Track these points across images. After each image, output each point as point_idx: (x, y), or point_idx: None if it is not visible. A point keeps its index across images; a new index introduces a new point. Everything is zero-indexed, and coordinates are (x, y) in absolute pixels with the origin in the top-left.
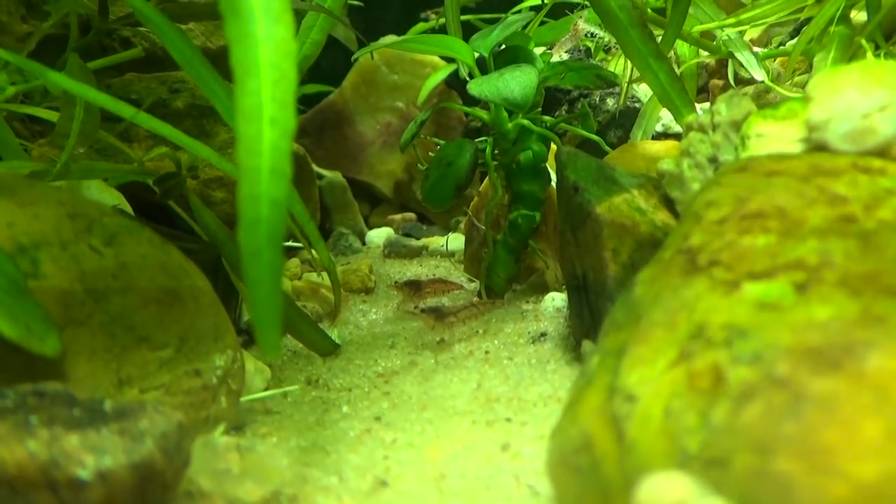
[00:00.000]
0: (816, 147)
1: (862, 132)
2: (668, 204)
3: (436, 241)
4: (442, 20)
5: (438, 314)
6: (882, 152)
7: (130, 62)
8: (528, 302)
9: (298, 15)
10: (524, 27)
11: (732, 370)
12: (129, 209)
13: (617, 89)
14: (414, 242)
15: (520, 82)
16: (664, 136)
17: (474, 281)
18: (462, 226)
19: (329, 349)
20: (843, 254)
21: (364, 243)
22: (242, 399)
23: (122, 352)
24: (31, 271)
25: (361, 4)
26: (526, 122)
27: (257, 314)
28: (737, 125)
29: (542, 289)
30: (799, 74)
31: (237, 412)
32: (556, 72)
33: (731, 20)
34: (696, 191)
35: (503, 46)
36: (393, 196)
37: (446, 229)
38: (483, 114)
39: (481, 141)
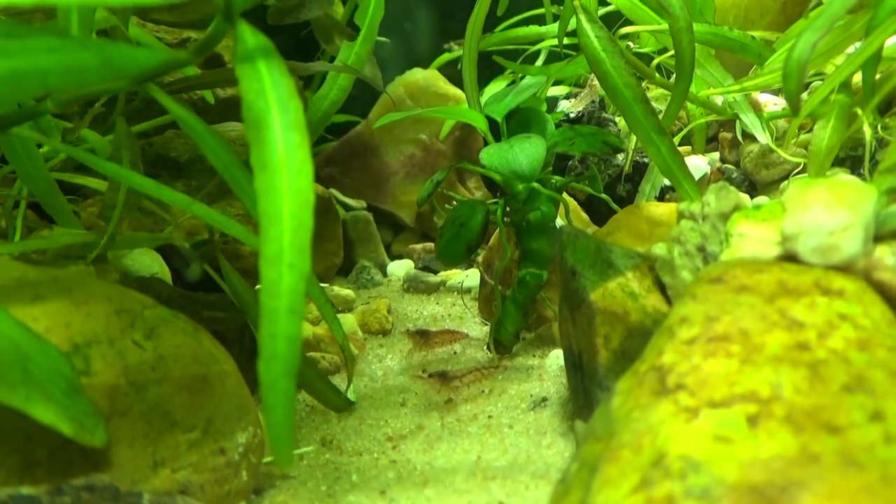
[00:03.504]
0: (788, 256)
1: (828, 248)
2: (661, 286)
3: (453, 277)
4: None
5: (444, 379)
6: (846, 267)
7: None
8: (534, 356)
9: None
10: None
11: (684, 503)
12: (167, 273)
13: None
14: (432, 278)
15: (528, 155)
16: (672, 189)
17: (486, 324)
18: (479, 259)
19: (343, 406)
20: (792, 387)
21: (385, 275)
22: (263, 461)
23: (157, 436)
24: (83, 368)
25: (387, 41)
26: (536, 184)
27: (272, 433)
28: (724, 217)
29: (549, 341)
30: (805, 132)
31: (257, 481)
32: (566, 137)
33: (736, 87)
34: (674, 308)
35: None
36: (415, 225)
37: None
38: (496, 175)
39: (493, 202)
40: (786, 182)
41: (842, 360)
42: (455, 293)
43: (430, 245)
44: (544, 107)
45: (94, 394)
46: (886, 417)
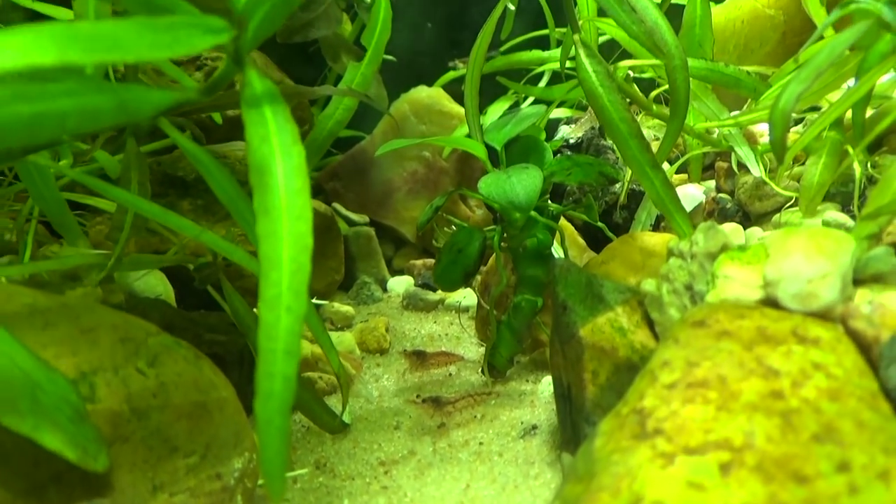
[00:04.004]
0: (770, 300)
1: (807, 296)
2: (650, 322)
3: (452, 295)
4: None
5: (438, 404)
6: (824, 314)
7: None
8: (527, 381)
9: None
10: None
11: None
12: (171, 292)
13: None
14: (431, 296)
15: (524, 186)
16: None
17: (483, 344)
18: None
19: (338, 429)
20: (764, 436)
21: (385, 290)
22: (257, 483)
23: (157, 461)
24: (89, 395)
25: (394, 60)
26: (533, 212)
27: (266, 468)
28: (712, 256)
29: (543, 365)
30: (799, 164)
31: None
32: (563, 167)
33: (731, 121)
34: (657, 351)
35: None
36: (416, 241)
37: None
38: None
39: (490, 229)
40: (778, 215)
41: (813, 410)
42: (453, 311)
43: (431, 261)
44: (543, 135)
45: (98, 420)
46: (852, 468)
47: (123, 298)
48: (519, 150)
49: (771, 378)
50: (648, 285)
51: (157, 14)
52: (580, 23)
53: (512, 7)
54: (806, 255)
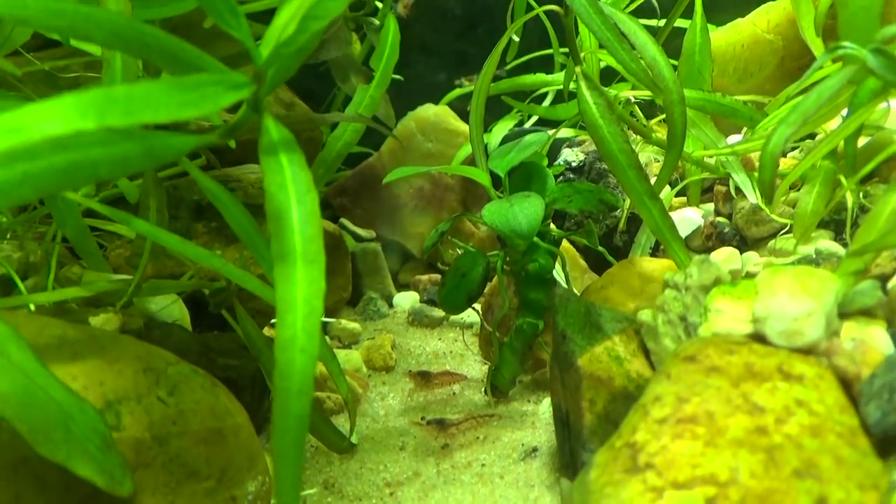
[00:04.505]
0: (758, 335)
1: (792, 333)
2: (646, 350)
3: None
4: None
5: (442, 426)
6: (809, 350)
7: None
8: (529, 401)
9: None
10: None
11: None
12: (186, 315)
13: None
14: (436, 312)
15: (526, 214)
16: None
17: (486, 363)
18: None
19: (345, 449)
20: (748, 471)
21: (391, 306)
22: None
23: (176, 486)
24: (114, 424)
25: (401, 79)
26: (535, 238)
27: (280, 497)
28: (705, 289)
29: (544, 385)
30: (796, 190)
31: None
32: (564, 194)
33: (728, 150)
34: (650, 386)
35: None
36: (422, 256)
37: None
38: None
39: (494, 254)
40: (773, 241)
41: (795, 446)
42: (457, 328)
43: (436, 276)
44: (546, 161)
45: (123, 447)
46: (829, 503)
47: (143, 323)
48: (521, 177)
49: (756, 414)
50: (645, 315)
51: (184, 66)
52: (582, 55)
53: (516, 39)
54: (791, 294)
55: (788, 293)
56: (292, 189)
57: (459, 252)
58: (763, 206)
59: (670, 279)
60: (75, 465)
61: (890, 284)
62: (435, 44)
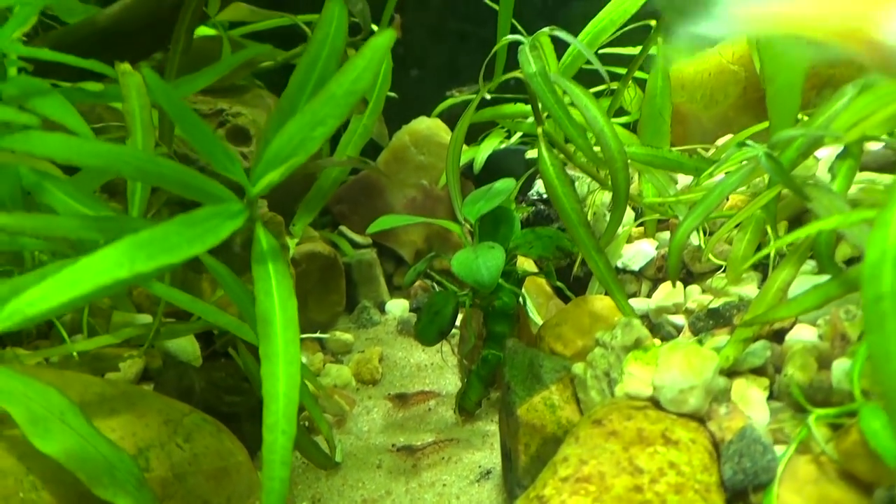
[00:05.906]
0: (655, 400)
1: (679, 401)
2: (577, 399)
3: None
4: (467, 96)
5: (410, 451)
6: (693, 414)
7: None
8: (492, 421)
9: None
10: None
11: None
12: (197, 350)
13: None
14: None
15: (488, 267)
16: (623, 271)
17: (462, 377)
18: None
19: (329, 466)
20: None
21: (383, 312)
22: None
23: None
24: (145, 466)
25: (396, 96)
26: (500, 280)
27: None
28: (627, 349)
29: None
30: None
31: None
32: (526, 241)
33: (672, 198)
34: (562, 446)
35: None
36: (414, 262)
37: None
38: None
39: (464, 294)
40: (710, 279)
41: (661, 502)
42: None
43: (427, 283)
44: (513, 206)
45: (153, 484)
46: None
47: (161, 362)
48: (490, 220)
49: (636, 475)
50: (577, 369)
51: (193, 191)
52: (544, 115)
53: (488, 97)
54: (680, 370)
55: (678, 369)
56: (276, 296)
57: (436, 288)
58: (703, 245)
59: (600, 338)
60: (119, 501)
61: (788, 336)
62: (427, 56)
